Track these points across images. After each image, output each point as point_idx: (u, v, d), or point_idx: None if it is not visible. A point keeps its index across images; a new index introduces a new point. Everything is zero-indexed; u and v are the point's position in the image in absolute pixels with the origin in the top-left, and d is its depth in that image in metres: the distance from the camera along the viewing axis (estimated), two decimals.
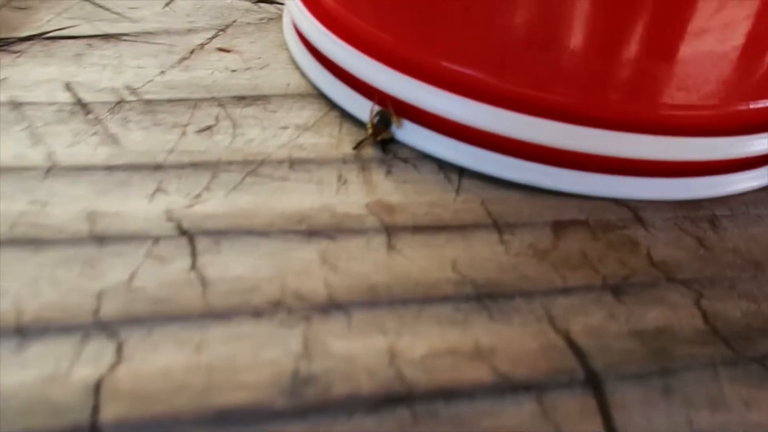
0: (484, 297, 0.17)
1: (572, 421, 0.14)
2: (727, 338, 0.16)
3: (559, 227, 0.19)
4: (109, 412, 0.13)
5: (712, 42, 0.18)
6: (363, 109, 0.22)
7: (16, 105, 0.22)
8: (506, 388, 0.15)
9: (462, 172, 0.21)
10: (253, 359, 0.14)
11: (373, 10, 0.21)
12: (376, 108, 0.21)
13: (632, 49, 0.18)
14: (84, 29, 0.27)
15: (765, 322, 0.17)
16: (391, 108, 0.21)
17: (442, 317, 0.16)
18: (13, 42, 0.25)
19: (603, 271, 0.18)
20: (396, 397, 0.14)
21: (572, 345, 0.16)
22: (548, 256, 0.18)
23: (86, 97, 0.23)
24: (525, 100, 0.19)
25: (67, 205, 0.18)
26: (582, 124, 0.19)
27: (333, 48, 0.22)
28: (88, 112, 0.22)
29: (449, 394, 0.14)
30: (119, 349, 0.14)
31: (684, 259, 0.19)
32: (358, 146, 0.21)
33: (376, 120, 0.21)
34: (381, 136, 0.21)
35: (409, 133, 0.21)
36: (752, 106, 0.19)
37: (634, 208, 0.20)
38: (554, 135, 0.19)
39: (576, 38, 0.18)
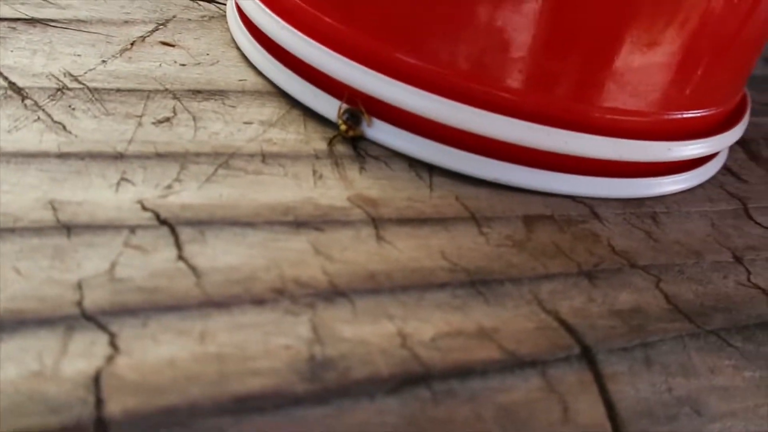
0: (478, 283, 0.17)
1: (574, 393, 0.15)
2: (688, 315, 0.18)
3: (529, 221, 0.20)
4: (115, 406, 0.12)
5: (660, 54, 0.20)
6: (328, 106, 0.22)
7: None
8: (514, 365, 0.15)
9: (431, 169, 0.21)
10: (264, 346, 0.14)
11: (341, 6, 0.21)
12: (345, 106, 0.21)
13: (591, 54, 0.20)
14: (4, 11, 0.24)
15: (713, 301, 0.19)
16: (361, 106, 0.21)
17: (442, 303, 0.16)
18: None
19: (576, 260, 0.19)
20: (415, 378, 0.14)
21: (564, 324, 0.17)
22: (526, 246, 0.19)
23: (20, 82, 0.20)
24: (486, 97, 0.20)
25: (20, 194, 0.16)
26: (537, 121, 0.21)
27: (299, 45, 0.22)
28: (24, 98, 0.20)
29: (464, 372, 0.14)
30: (113, 341, 0.13)
31: (639, 249, 0.20)
32: (330, 142, 0.21)
33: (345, 117, 0.21)
34: (351, 134, 0.21)
35: (379, 131, 0.21)
36: (686, 115, 0.22)
37: (590, 205, 0.22)
38: (512, 130, 0.20)
39: (538, 41, 0.20)
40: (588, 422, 0.15)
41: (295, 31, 0.22)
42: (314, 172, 0.20)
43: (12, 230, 0.15)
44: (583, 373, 0.16)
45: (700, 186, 0.25)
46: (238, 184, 0.18)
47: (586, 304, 0.17)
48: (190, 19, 0.27)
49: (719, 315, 0.18)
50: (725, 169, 0.27)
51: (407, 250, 0.18)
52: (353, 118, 0.21)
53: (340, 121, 0.21)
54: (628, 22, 0.20)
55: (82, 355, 0.12)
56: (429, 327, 0.15)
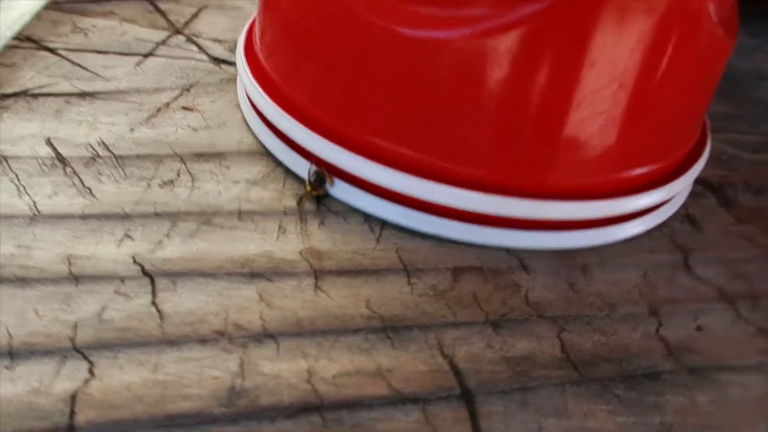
0: (389, 329, 0.21)
1: (447, 427, 0.19)
2: (575, 363, 0.21)
3: (458, 272, 0.24)
4: (82, 417, 0.17)
5: (594, 122, 0.23)
6: (302, 167, 0.26)
7: (2, 158, 0.25)
8: (398, 400, 0.19)
9: (384, 224, 0.25)
10: (198, 377, 0.18)
11: (308, 86, 0.26)
12: (313, 168, 0.26)
13: (527, 129, 0.23)
14: (63, 87, 0.30)
15: (609, 352, 0.22)
16: (325, 169, 0.26)
17: (353, 345, 0.20)
18: None
19: (487, 309, 0.22)
20: (310, 407, 0.18)
21: (454, 368, 0.20)
22: (445, 296, 0.23)
23: (65, 151, 0.26)
24: (433, 169, 0.24)
25: (48, 249, 0.22)
26: (483, 191, 0.24)
27: (275, 115, 0.26)
28: (66, 166, 0.26)
29: (353, 405, 0.18)
30: (91, 369, 0.18)
31: (555, 300, 0.23)
32: (300, 200, 0.25)
33: (313, 179, 0.25)
34: (315, 193, 0.25)
35: (340, 190, 0.26)
36: (628, 174, 0.25)
37: (521, 257, 0.25)
38: (456, 198, 0.24)
39: (479, 118, 0.23)
40: None
41: (272, 102, 0.26)
42: (280, 227, 0.24)
43: (38, 280, 0.20)
44: (460, 411, 0.19)
45: (647, 235, 0.27)
46: (214, 239, 0.23)
47: (483, 350, 0.21)
48: (210, 83, 0.33)
49: (608, 365, 0.21)
50: (685, 216, 0.29)
51: (338, 298, 0.22)
52: (319, 179, 0.25)
53: (307, 182, 0.25)
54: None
55: (68, 378, 0.18)
56: (335, 366, 0.19)
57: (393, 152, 0.24)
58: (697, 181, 0.31)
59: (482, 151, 0.24)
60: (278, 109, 0.26)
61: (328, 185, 0.26)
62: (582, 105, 0.22)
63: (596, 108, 0.23)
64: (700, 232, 0.28)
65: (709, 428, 0.20)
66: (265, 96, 0.27)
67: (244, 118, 0.30)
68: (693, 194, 0.30)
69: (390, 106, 0.24)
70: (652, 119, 0.24)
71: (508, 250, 0.25)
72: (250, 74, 0.28)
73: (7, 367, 0.18)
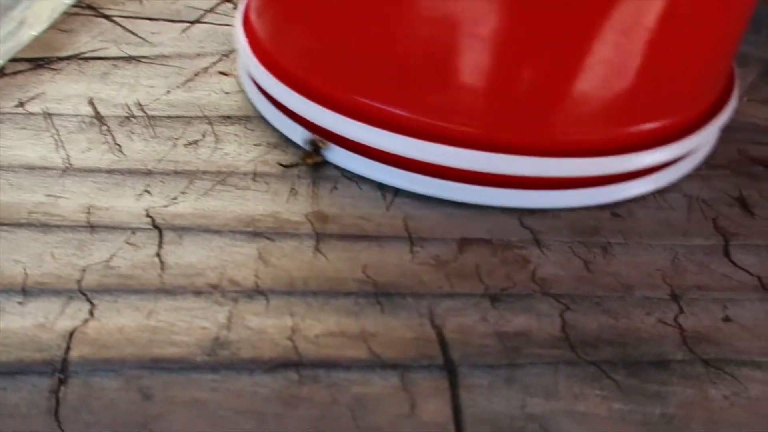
0: (381, 295, 0.21)
1: (425, 396, 0.18)
2: (574, 344, 0.20)
3: (464, 243, 0.23)
4: (76, 353, 0.18)
5: (599, 72, 0.21)
6: (295, 133, 0.26)
7: (47, 115, 0.27)
8: (377, 365, 0.19)
9: (396, 192, 0.25)
10: (187, 326, 0.19)
11: (296, 50, 0.25)
12: (308, 136, 0.25)
13: (526, 83, 0.22)
14: (112, 51, 0.32)
15: (614, 335, 0.20)
16: (319, 136, 0.25)
17: (341, 308, 0.20)
18: (53, 61, 0.31)
19: (488, 282, 0.22)
20: (288, 363, 0.18)
21: (441, 338, 0.20)
22: (446, 266, 0.22)
23: (103, 111, 0.28)
24: (431, 129, 0.23)
25: (73, 200, 0.23)
26: (482, 149, 0.23)
27: (267, 81, 0.26)
28: (102, 124, 0.27)
29: (331, 365, 0.19)
30: (91, 311, 0.19)
31: (564, 278, 0.22)
32: (288, 166, 0.25)
33: (309, 148, 0.25)
34: (314, 160, 0.25)
35: (337, 156, 0.25)
36: (636, 129, 0.23)
37: (535, 231, 0.24)
38: (456, 158, 0.23)
39: (473, 73, 0.22)
40: (431, 420, 0.18)
41: (269, 74, 0.26)
42: (291, 189, 0.25)
43: (59, 226, 0.22)
44: (440, 381, 0.19)
45: (686, 216, 0.25)
46: (225, 198, 0.24)
47: (475, 323, 0.20)
48: None
49: (610, 348, 0.20)
50: (735, 199, 0.26)
51: (335, 261, 0.22)
52: (314, 147, 0.25)
53: (302, 153, 0.25)
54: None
55: (70, 317, 0.19)
56: (319, 326, 0.20)
57: (387, 113, 0.23)
58: (759, 162, 0.28)
59: (479, 109, 0.22)
60: (270, 75, 0.26)
61: (324, 152, 0.25)
62: (587, 55, 0.21)
63: (601, 57, 0.21)
64: (750, 217, 0.26)
65: (718, 424, 0.18)
66: (259, 64, 0.26)
67: None
68: (751, 176, 0.28)
69: (378, 65, 0.23)
70: (664, 70, 0.22)
71: (522, 223, 0.24)
72: (245, 41, 0.28)
73: (19, 303, 0.19)
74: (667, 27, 0.21)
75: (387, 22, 0.22)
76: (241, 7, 0.30)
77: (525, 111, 0.22)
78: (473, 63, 0.21)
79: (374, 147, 0.24)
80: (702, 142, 0.26)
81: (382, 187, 0.25)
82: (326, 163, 0.26)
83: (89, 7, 0.35)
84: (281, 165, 0.25)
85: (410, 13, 0.21)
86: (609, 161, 0.23)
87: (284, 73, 0.25)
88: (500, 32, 0.21)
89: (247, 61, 0.27)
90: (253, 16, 0.28)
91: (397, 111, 0.23)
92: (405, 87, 0.23)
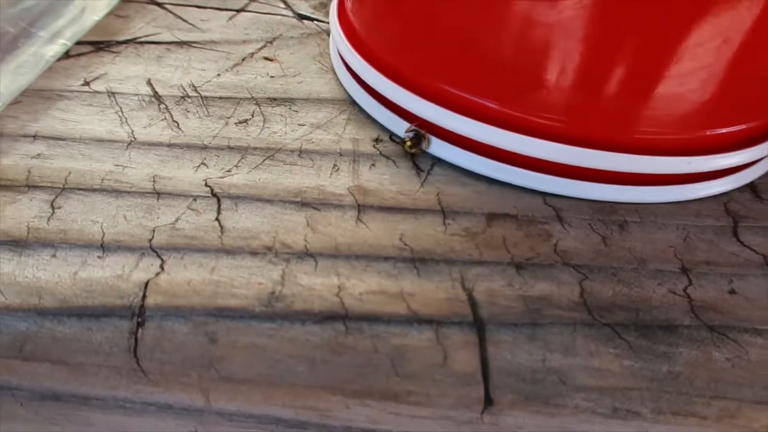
0: (417, 260, 0.23)
1: (456, 348, 0.21)
2: (591, 308, 0.22)
3: (492, 218, 0.25)
4: (151, 300, 0.20)
5: (692, 78, 0.23)
6: (393, 122, 0.28)
7: (111, 94, 0.30)
8: (414, 320, 0.21)
9: (430, 170, 0.27)
10: (246, 281, 0.22)
11: (394, 42, 0.27)
12: (412, 127, 0.27)
13: (609, 84, 0.23)
14: (165, 36, 0.35)
15: (628, 302, 0.22)
16: (425, 129, 0.27)
17: (382, 271, 0.23)
18: (113, 44, 0.33)
19: (513, 252, 0.24)
20: (336, 316, 0.21)
21: (471, 299, 0.22)
22: (476, 237, 0.24)
23: (161, 91, 0.30)
24: (519, 122, 0.25)
25: (139, 169, 0.26)
26: (569, 143, 0.25)
27: (372, 77, 0.28)
28: (161, 103, 0.30)
29: (373, 319, 0.21)
30: (162, 265, 0.22)
31: (584, 251, 0.24)
32: (355, 144, 0.28)
33: (411, 136, 0.27)
34: (414, 150, 0.27)
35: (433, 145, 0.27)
36: (710, 132, 0.25)
37: (558, 209, 0.26)
38: (543, 149, 0.25)
39: (564, 75, 0.23)
40: (461, 370, 0.20)
41: (370, 67, 0.28)
42: (334, 165, 0.27)
43: (129, 192, 0.24)
44: (470, 336, 0.21)
45: (698, 200, 0.27)
46: (275, 171, 0.26)
47: (502, 287, 0.22)
48: (292, 37, 0.36)
49: (624, 313, 0.22)
50: (747, 185, 0.28)
51: (375, 230, 0.24)
52: (417, 138, 0.27)
53: (406, 139, 0.27)
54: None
55: (144, 270, 0.22)
56: (363, 285, 0.22)
57: (478, 105, 0.25)
58: None
59: (567, 107, 0.24)
60: (367, 64, 0.28)
61: (423, 145, 0.27)
62: (681, 60, 0.22)
63: (696, 63, 0.22)
64: (760, 202, 0.27)
65: (719, 382, 0.20)
66: (361, 59, 0.28)
67: (318, 69, 0.33)
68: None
69: (473, 61, 0.24)
70: (747, 77, 0.23)
71: (546, 202, 0.26)
72: (341, 31, 0.30)
73: (99, 257, 0.22)
74: (752, 39, 0.22)
75: (482, 26, 0.23)
76: (335, 1, 0.32)
77: (611, 110, 0.24)
78: (564, 65, 0.23)
79: (463, 135, 0.26)
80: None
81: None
82: (424, 153, 0.27)
83: None
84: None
85: (505, 16, 0.23)
86: (688, 160, 0.25)
87: (380, 63, 0.27)
88: (593, 39, 0.22)
89: (343, 49, 0.29)
90: (349, 7, 0.30)
91: (487, 103, 0.25)
92: (497, 82, 0.25)
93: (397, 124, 0.28)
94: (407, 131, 0.27)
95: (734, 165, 0.26)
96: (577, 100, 0.24)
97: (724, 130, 0.25)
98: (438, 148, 0.27)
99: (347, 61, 0.30)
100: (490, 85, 0.25)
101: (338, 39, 0.30)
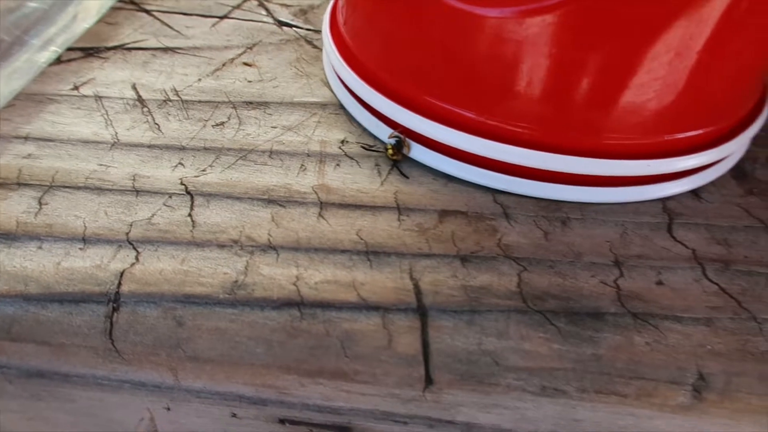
0: (371, 253, 0.25)
1: (400, 332, 0.23)
2: (525, 297, 0.24)
3: (444, 214, 0.27)
4: (126, 288, 0.23)
5: (650, 89, 0.25)
6: (378, 130, 0.30)
7: (98, 98, 0.32)
8: (363, 307, 0.23)
9: (390, 170, 0.29)
10: (212, 271, 0.24)
11: (380, 55, 0.29)
12: (394, 134, 0.29)
13: (576, 95, 0.25)
14: (152, 42, 0.37)
15: (560, 291, 0.25)
16: (405, 136, 0.29)
17: (338, 262, 0.25)
18: (102, 50, 0.36)
19: (460, 246, 0.26)
20: (292, 303, 0.23)
21: (417, 288, 0.24)
22: (427, 232, 0.26)
23: (144, 95, 0.33)
24: (493, 129, 0.27)
25: (121, 168, 0.28)
26: (538, 149, 0.27)
27: (356, 85, 0.30)
28: (144, 107, 0.32)
29: (326, 305, 0.23)
30: (137, 257, 0.24)
31: (525, 245, 0.26)
32: (322, 146, 0.30)
33: (393, 143, 0.29)
34: (396, 157, 0.29)
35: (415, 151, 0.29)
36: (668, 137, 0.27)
37: (506, 206, 0.28)
38: (514, 155, 0.27)
39: (533, 89, 0.25)
40: (404, 352, 0.22)
41: (355, 75, 0.30)
42: (301, 166, 0.29)
43: (110, 190, 0.27)
44: (413, 321, 0.23)
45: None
46: (246, 171, 0.29)
47: (446, 278, 0.25)
48: (270, 43, 0.38)
49: (555, 301, 0.24)
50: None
51: (335, 225, 0.26)
52: (398, 145, 0.29)
53: (388, 146, 0.29)
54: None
55: (120, 260, 0.24)
56: (319, 275, 0.24)
57: (455, 114, 0.27)
58: None
59: (537, 116, 0.26)
60: (355, 75, 0.29)
61: (405, 151, 0.29)
62: (638, 74, 0.24)
63: (651, 76, 0.24)
64: (697, 200, 0.29)
65: (638, 364, 0.23)
66: (347, 66, 0.30)
67: (293, 74, 0.35)
68: None
69: (450, 74, 0.26)
70: (707, 86, 0.25)
71: (495, 200, 0.28)
72: (333, 44, 0.32)
73: (80, 249, 0.24)
74: (713, 50, 0.24)
75: (458, 40, 0.25)
76: (327, 15, 0.34)
77: (578, 118, 0.26)
78: (535, 79, 0.25)
79: (441, 142, 0.28)
80: (734, 149, 0.29)
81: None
82: (406, 159, 0.29)
83: (132, 2, 0.40)
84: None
85: (480, 34, 0.25)
86: (652, 163, 0.27)
87: (368, 74, 0.29)
88: (562, 55, 0.24)
89: (333, 60, 0.31)
90: (340, 21, 0.32)
91: (467, 114, 0.27)
92: (473, 93, 0.27)
93: (382, 129, 0.30)
94: (390, 137, 0.29)
95: (690, 167, 0.28)
96: (547, 110, 0.26)
97: (681, 135, 0.27)
98: (417, 152, 0.29)
99: (337, 71, 0.32)
100: (466, 96, 0.27)
101: (329, 50, 0.32)
